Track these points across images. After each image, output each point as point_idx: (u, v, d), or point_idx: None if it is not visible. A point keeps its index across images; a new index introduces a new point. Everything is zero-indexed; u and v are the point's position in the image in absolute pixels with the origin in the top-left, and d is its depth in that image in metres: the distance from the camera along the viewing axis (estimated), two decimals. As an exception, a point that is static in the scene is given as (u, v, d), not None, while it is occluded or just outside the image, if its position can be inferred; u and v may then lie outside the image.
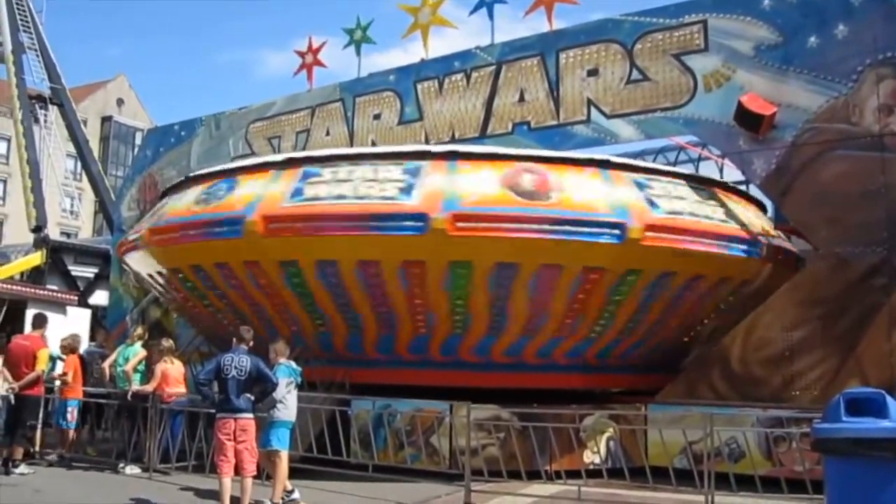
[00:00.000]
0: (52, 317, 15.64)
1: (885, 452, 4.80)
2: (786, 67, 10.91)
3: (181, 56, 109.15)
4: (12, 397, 10.13)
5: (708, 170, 18.22)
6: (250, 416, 7.92)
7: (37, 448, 11.14)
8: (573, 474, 9.18)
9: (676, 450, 9.13)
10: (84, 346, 12.76)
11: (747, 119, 10.88)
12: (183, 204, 11.51)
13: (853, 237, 10.14)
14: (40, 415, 10.98)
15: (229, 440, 7.77)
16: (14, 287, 18.96)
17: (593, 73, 12.62)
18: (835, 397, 5.17)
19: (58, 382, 11.35)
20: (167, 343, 11.17)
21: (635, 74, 12.20)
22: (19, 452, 10.14)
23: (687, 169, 16.67)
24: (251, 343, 8.24)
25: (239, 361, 7.91)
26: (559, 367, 11.11)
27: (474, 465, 8.72)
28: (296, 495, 8.34)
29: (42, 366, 10.36)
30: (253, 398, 7.93)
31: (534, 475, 9.21)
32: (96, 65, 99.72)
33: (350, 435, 9.98)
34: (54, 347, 12.00)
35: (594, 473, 9.36)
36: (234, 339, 8.24)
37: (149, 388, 10.52)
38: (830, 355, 10.09)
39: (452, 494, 8.72)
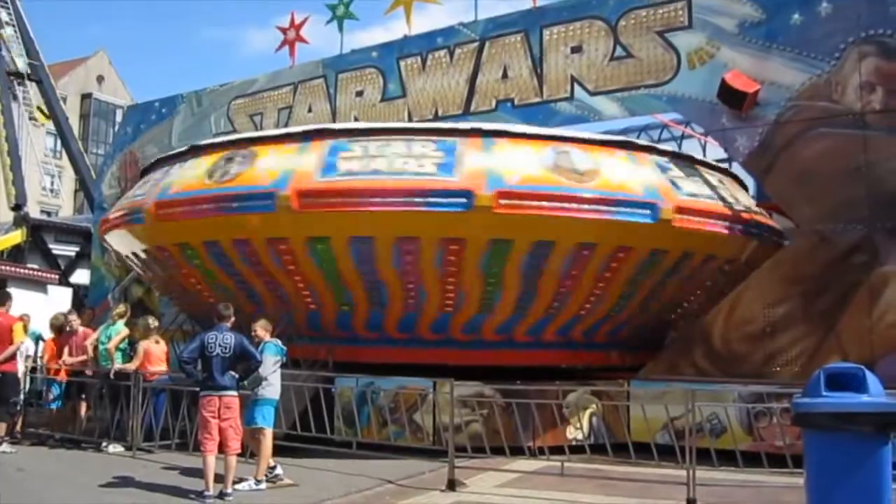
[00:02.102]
0: (34, 296, 15.65)
1: (863, 426, 4.84)
2: (769, 45, 10.92)
3: (162, 34, 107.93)
4: None
5: (691, 148, 18.25)
6: (234, 393, 7.90)
7: (19, 427, 11.10)
8: (556, 450, 9.23)
9: (658, 425, 9.20)
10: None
11: (731, 96, 10.90)
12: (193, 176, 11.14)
13: (834, 215, 10.21)
14: (21, 392, 10.91)
15: (214, 418, 7.76)
16: (-6, 266, 18.84)
17: (577, 49, 12.60)
18: (815, 372, 5.21)
19: (41, 362, 11.30)
20: (152, 322, 11.12)
21: (619, 51, 12.19)
22: (2, 430, 10.09)
23: (670, 147, 16.67)
24: (232, 320, 8.21)
25: (223, 339, 7.87)
26: (554, 345, 11.20)
27: (458, 441, 8.75)
28: (278, 471, 8.35)
29: (20, 338, 10.26)
30: (237, 376, 7.92)
31: (517, 451, 9.28)
32: (75, 42, 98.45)
33: (334, 412, 9.99)
34: (40, 326, 11.95)
35: (577, 449, 9.41)
36: (216, 318, 8.19)
37: (131, 366, 10.49)
38: (811, 332, 10.18)
39: (436, 471, 8.76)
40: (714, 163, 12.65)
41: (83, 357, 10.90)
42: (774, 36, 10.90)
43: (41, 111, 28.87)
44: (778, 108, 10.77)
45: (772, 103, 10.82)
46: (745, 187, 12.84)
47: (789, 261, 10.67)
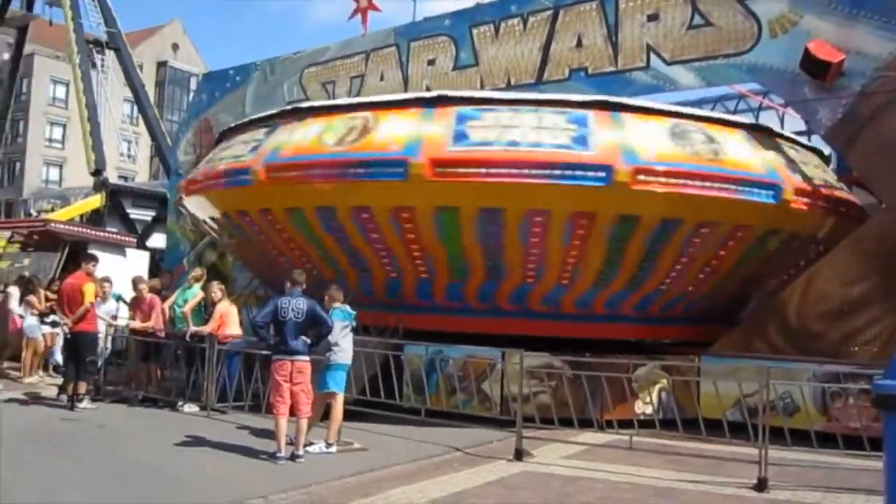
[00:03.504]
0: (112, 258, 16.09)
1: (950, 411, 4.69)
2: (856, 12, 10.49)
3: (235, 3, 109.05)
4: (68, 333, 10.44)
5: (768, 119, 17.77)
6: (307, 358, 8.04)
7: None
8: (625, 424, 9.18)
9: (730, 402, 9.05)
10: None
11: (814, 66, 10.52)
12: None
13: (921, 190, 9.84)
14: (101, 351, 11.28)
15: (286, 381, 7.91)
16: (75, 228, 19.44)
17: (653, 17, 12.28)
18: (898, 353, 5.05)
19: (122, 322, 11.67)
20: (219, 286, 11.35)
21: (697, 19, 11.84)
22: (83, 388, 10.45)
23: (746, 118, 16.23)
24: (304, 286, 8.34)
25: (296, 304, 8.01)
26: (617, 319, 11.10)
27: (526, 412, 8.75)
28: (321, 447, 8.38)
29: (90, 298, 10.56)
30: (309, 341, 8.04)
31: (585, 424, 9.25)
32: (151, 11, 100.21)
33: (403, 379, 10.09)
34: (120, 288, 12.33)
35: (646, 424, 9.34)
36: (289, 283, 8.31)
37: (206, 329, 10.74)
38: (891, 311, 9.86)
39: (504, 440, 8.80)
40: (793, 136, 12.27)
41: (150, 322, 11.23)
42: (861, 3, 10.46)
43: None
44: (864, 78, 10.37)
45: (857, 73, 10.42)
46: (825, 160, 12.45)
47: (870, 237, 10.33)
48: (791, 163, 10.63)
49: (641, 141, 9.83)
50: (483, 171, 9.64)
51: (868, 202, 11.40)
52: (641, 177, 9.51)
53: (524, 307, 10.83)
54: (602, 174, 9.47)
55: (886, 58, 10.21)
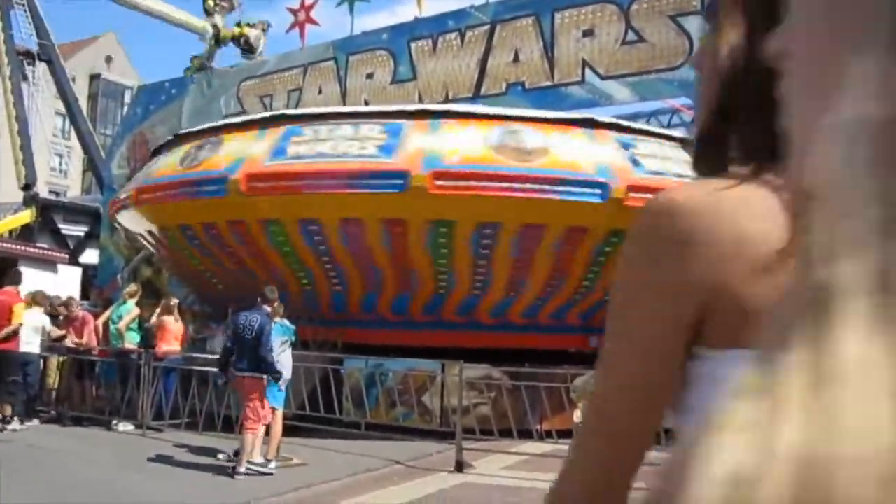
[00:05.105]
0: (43, 275, 15.69)
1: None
2: (783, 30, 10.85)
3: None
4: None
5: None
6: (251, 374, 7.95)
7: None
8: (564, 434, 9.25)
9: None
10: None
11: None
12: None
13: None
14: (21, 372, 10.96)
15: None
16: (4, 245, 18.92)
17: (588, 33, 12.53)
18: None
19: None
20: (172, 301, 11.18)
21: (631, 36, 12.13)
22: (8, 409, 10.14)
23: (680, 132, 16.59)
24: (276, 303, 8.27)
25: (250, 321, 7.94)
26: (553, 329, 11.18)
27: (466, 423, 8.78)
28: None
29: (18, 319, 10.28)
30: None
31: (525, 434, 9.31)
32: (84, 22, 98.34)
33: (342, 393, 10.04)
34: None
35: (585, 433, 9.42)
36: (260, 299, 8.23)
37: (154, 319, 10.71)
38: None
39: (444, 452, 8.79)
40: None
41: (83, 339, 10.98)
42: (789, 22, 10.82)
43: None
44: (789, 94, 10.71)
45: (783, 90, 10.76)
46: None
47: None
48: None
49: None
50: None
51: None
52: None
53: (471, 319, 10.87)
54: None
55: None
